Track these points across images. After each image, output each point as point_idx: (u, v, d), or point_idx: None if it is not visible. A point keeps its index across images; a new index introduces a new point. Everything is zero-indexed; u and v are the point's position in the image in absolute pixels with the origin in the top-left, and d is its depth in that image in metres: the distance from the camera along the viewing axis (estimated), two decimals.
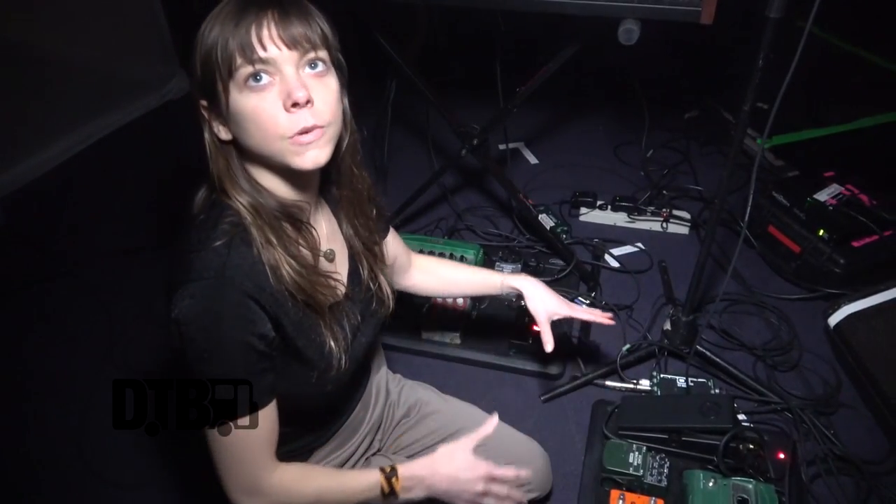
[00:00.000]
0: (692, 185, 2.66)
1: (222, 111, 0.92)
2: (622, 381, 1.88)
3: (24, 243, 2.58)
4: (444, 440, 1.34)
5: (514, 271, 2.12)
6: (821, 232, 2.10)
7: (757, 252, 2.31)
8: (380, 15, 1.94)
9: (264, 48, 0.88)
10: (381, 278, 1.20)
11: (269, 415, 0.99)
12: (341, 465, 1.26)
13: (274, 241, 0.95)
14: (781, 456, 1.51)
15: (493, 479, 1.09)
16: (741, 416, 1.70)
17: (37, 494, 1.72)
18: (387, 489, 1.04)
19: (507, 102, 1.99)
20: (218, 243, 0.90)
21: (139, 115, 3.35)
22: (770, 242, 2.28)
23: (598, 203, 2.54)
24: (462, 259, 2.13)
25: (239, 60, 0.87)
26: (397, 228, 2.43)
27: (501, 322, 2.03)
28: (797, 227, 2.18)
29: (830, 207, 2.15)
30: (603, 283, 2.24)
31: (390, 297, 1.22)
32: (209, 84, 0.91)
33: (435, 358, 1.99)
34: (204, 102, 0.94)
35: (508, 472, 1.10)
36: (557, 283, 2.15)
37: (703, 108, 3.11)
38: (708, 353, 1.85)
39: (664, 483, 1.47)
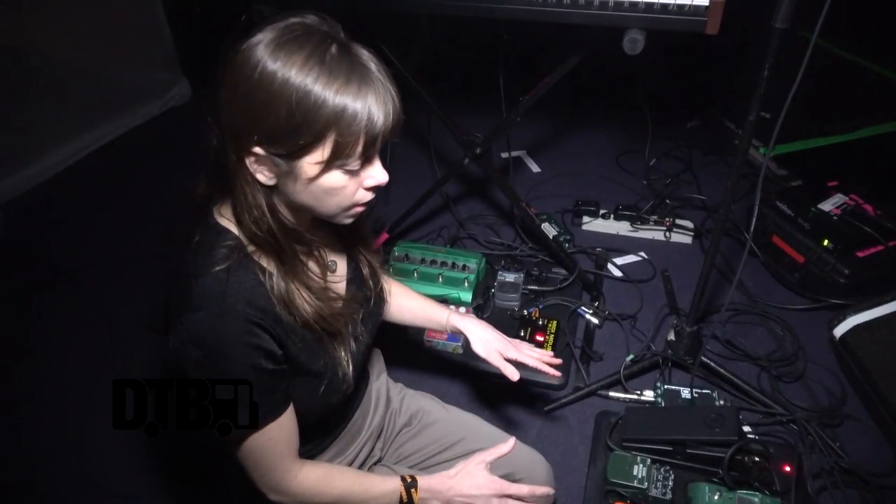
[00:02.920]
0: (695, 195, 2.65)
1: (293, 172, 0.87)
2: (626, 391, 1.86)
3: (25, 250, 2.57)
4: (445, 450, 1.34)
5: (516, 280, 2.10)
6: (825, 242, 2.09)
7: (760, 262, 2.30)
8: (383, 23, 1.94)
9: (382, 142, 0.88)
10: (380, 272, 1.23)
11: (286, 423, 1.00)
12: None
13: (287, 270, 0.95)
14: (787, 469, 1.50)
15: (506, 496, 1.13)
16: (746, 428, 1.69)
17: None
18: (405, 498, 1.10)
19: (510, 111, 1.99)
20: (217, 269, 0.90)
21: (141, 122, 3.35)
22: (774, 252, 2.27)
23: (601, 212, 2.53)
24: (464, 268, 2.13)
25: (358, 150, 0.86)
26: (400, 237, 2.44)
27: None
28: (801, 236, 2.17)
29: (834, 217, 2.15)
30: (606, 292, 2.23)
31: (388, 292, 1.27)
32: (294, 143, 0.84)
33: (437, 367, 1.98)
34: (259, 150, 0.86)
35: (522, 488, 1.15)
36: (560, 293, 2.14)
37: (706, 117, 3.11)
38: (712, 364, 1.84)
39: (669, 496, 1.46)
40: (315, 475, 1.06)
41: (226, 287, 0.89)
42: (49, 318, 2.25)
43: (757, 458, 1.47)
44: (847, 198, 2.21)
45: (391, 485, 1.10)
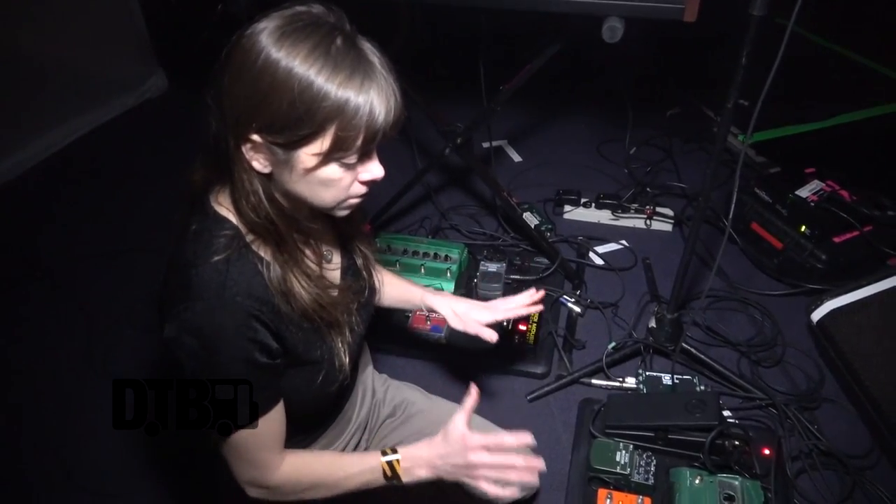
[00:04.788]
0: (675, 182, 2.67)
1: (290, 162, 0.87)
2: (608, 379, 1.87)
3: (0, 245, 2.52)
4: None
5: (498, 270, 2.11)
6: (802, 228, 2.12)
7: (739, 248, 2.32)
8: (361, 13, 1.92)
9: (382, 138, 0.88)
10: (374, 264, 1.22)
11: (275, 417, 0.99)
12: None
13: (285, 258, 0.95)
14: (767, 452, 1.52)
15: (480, 448, 1.03)
16: (726, 413, 1.70)
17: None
18: (388, 472, 1.06)
19: (490, 101, 1.98)
20: (216, 258, 0.89)
21: (117, 114, 3.29)
22: (752, 239, 2.29)
23: (582, 201, 2.54)
24: (446, 259, 2.12)
25: (358, 144, 0.86)
26: (381, 228, 2.43)
27: None
28: (779, 223, 2.19)
29: (812, 203, 2.17)
30: (588, 280, 2.24)
31: (381, 282, 1.27)
32: (294, 134, 0.84)
33: (421, 357, 1.98)
34: (257, 137, 0.85)
35: (497, 437, 1.05)
36: (542, 282, 2.15)
37: (685, 104, 3.12)
38: (693, 350, 1.85)
39: (651, 481, 1.48)
40: (294, 465, 1.05)
41: (225, 278, 0.88)
42: (25, 314, 2.21)
43: (737, 442, 1.49)
44: (824, 184, 2.23)
45: (371, 461, 1.06)
